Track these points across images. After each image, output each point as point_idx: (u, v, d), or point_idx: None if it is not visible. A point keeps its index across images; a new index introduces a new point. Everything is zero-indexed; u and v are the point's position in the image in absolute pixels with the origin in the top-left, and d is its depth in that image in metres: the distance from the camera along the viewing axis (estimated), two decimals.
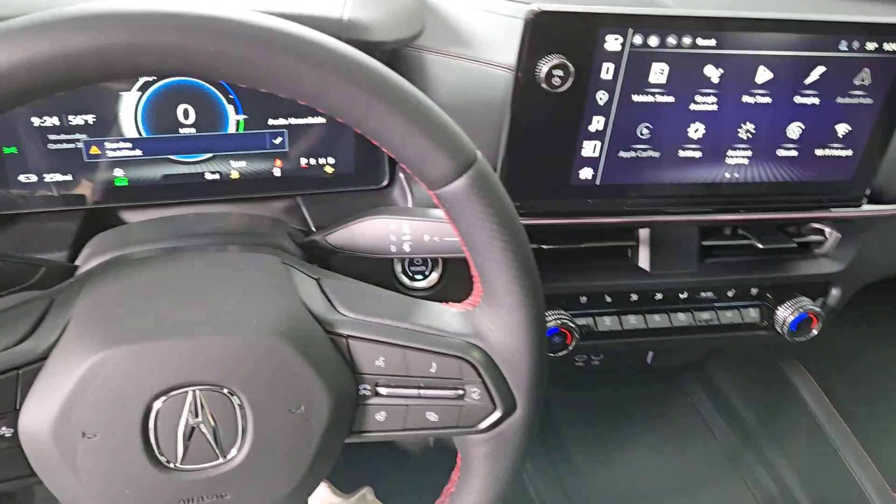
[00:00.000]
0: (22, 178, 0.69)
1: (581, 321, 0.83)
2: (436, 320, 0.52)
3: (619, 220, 0.78)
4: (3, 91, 0.37)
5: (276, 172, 0.75)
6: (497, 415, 0.52)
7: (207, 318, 0.47)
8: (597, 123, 0.71)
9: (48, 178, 0.70)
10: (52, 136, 0.68)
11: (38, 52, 0.36)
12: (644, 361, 1.12)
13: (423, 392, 0.51)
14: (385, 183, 0.78)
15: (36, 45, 0.36)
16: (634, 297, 0.85)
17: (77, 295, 0.48)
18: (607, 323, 0.85)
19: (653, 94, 0.70)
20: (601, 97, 0.70)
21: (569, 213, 0.75)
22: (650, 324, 0.86)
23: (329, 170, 0.77)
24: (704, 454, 1.29)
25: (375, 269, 0.73)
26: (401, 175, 0.77)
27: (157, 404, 0.45)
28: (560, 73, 0.66)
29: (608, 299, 0.84)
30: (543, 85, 0.67)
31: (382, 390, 0.51)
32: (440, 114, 0.44)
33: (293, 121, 0.73)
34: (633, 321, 0.86)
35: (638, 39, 0.67)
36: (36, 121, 0.67)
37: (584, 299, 0.84)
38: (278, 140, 0.74)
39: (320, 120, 0.74)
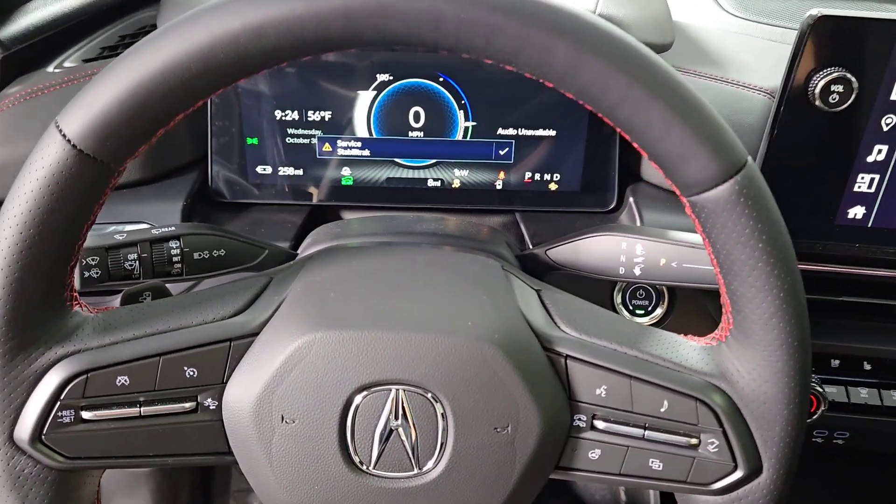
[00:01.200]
0: (259, 169, 0.71)
1: (830, 388, 0.71)
2: (671, 352, 0.44)
3: (893, 274, 0.65)
4: (254, 48, 0.36)
5: (498, 185, 0.72)
6: (737, 475, 0.43)
7: (419, 315, 0.43)
8: (878, 153, 0.60)
9: (282, 171, 0.71)
10: (290, 130, 0.70)
11: (292, 10, 0.35)
12: None
13: (648, 434, 0.43)
14: (612, 206, 0.72)
15: (291, 3, 0.35)
16: None
17: (294, 277, 0.47)
18: (863, 395, 0.71)
19: None
20: (888, 121, 0.59)
21: (830, 257, 0.65)
22: None
23: (553, 187, 0.72)
24: None
25: (593, 295, 0.66)
26: (631, 199, 0.70)
27: (358, 398, 0.42)
28: (839, 88, 0.57)
29: (867, 367, 0.72)
30: (817, 102, 0.57)
31: (600, 424, 0.44)
32: (708, 106, 0.38)
33: (522, 132, 0.70)
34: None
35: None
36: (278, 114, 0.69)
37: (835, 363, 0.72)
38: (504, 151, 0.71)
39: (550, 132, 0.70)
